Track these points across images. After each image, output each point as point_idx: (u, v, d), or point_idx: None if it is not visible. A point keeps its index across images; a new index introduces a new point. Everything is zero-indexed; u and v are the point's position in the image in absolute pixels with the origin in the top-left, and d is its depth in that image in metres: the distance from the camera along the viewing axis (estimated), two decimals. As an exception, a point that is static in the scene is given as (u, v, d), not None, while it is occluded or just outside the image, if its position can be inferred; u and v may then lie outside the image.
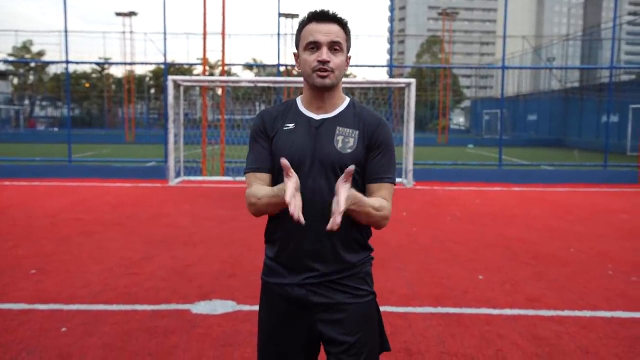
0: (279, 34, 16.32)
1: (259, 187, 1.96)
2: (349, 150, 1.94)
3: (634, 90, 27.67)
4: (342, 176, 1.70)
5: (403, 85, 13.14)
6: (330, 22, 1.93)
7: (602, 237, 7.34)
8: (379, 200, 1.94)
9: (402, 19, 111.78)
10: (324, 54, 1.90)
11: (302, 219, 1.64)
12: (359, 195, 1.83)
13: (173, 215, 8.64)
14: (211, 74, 39.78)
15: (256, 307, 2.18)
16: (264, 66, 47.98)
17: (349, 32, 1.99)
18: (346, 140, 1.96)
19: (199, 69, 43.12)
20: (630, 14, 59.37)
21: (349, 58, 2.02)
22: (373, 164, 1.98)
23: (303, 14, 2.01)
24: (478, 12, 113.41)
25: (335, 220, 1.65)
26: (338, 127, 1.98)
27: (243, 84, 14.86)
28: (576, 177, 14.05)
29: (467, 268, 5.74)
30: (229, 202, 9.98)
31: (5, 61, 42.09)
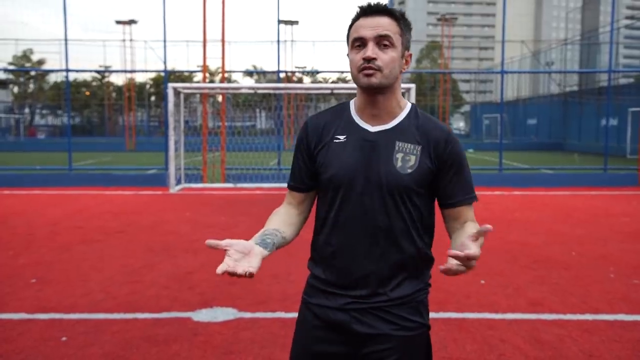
0: (278, 41, 16.35)
1: (273, 218, 1.83)
2: (409, 171, 1.71)
3: (633, 93, 27.74)
4: (474, 235, 1.51)
5: (403, 90, 13.10)
6: (379, 15, 1.69)
7: (603, 240, 7.33)
8: (474, 226, 1.75)
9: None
10: (369, 50, 1.65)
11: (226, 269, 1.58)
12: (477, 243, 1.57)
13: (174, 223, 8.63)
14: (211, 81, 39.86)
15: (257, 315, 2.18)
16: (264, 73, 48.16)
17: (406, 25, 1.74)
18: (407, 158, 1.72)
19: (199, 76, 43.20)
20: (627, 17, 59.48)
21: (410, 56, 1.78)
22: (449, 186, 1.76)
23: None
24: (477, 18, 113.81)
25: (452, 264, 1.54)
26: (397, 142, 1.73)
27: (243, 91, 14.90)
28: (576, 181, 14.05)
29: (468, 272, 5.71)
30: (230, 209, 9.97)
31: (6, 70, 42.21)
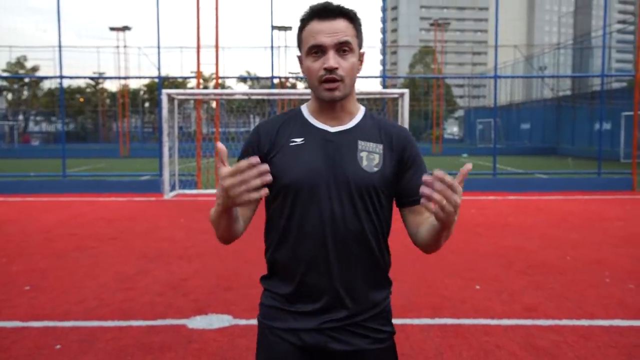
0: (272, 47, 16.35)
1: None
2: (375, 169, 1.64)
3: (626, 97, 27.79)
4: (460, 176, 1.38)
5: (396, 95, 13.19)
6: (335, 18, 1.60)
7: (597, 245, 7.35)
8: None
9: (394, 30, 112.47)
10: (331, 59, 1.57)
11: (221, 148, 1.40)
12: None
13: (168, 229, 8.60)
14: (205, 87, 39.84)
15: (253, 321, 2.14)
16: (257, 79, 48.17)
17: (360, 24, 1.66)
18: (371, 157, 1.65)
19: (193, 82, 43.23)
20: (619, 22, 59.87)
21: (362, 55, 1.70)
22: (411, 183, 1.69)
23: (304, 9, 1.66)
24: (469, 23, 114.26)
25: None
26: (359, 142, 1.66)
27: (237, 97, 14.90)
28: (570, 185, 14.09)
29: (463, 278, 5.72)
30: (224, 215, 9.93)
31: (0, 77, 42.01)
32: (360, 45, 1.67)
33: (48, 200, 12.20)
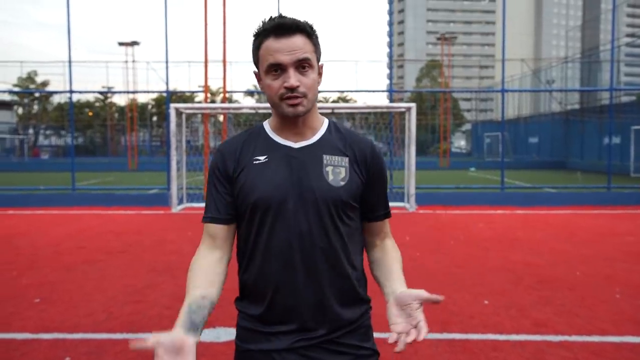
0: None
1: (196, 275, 1.63)
2: (342, 183, 1.61)
3: (635, 111, 27.77)
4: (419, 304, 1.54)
5: (403, 109, 13.22)
6: (292, 35, 1.55)
7: (608, 260, 7.30)
8: (393, 247, 1.80)
9: (401, 44, 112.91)
10: (291, 78, 1.54)
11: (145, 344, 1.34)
12: (402, 285, 1.66)
13: (176, 242, 8.62)
14: (213, 101, 40.07)
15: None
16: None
17: (317, 38, 1.63)
18: (337, 171, 1.62)
19: (200, 97, 43.47)
20: (628, 35, 59.86)
21: (321, 67, 1.67)
22: (373, 197, 1.70)
23: (256, 23, 1.60)
24: (476, 36, 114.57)
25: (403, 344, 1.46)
26: (324, 156, 1.63)
27: (244, 111, 14.97)
28: (580, 200, 14.03)
29: (472, 293, 5.70)
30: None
31: (10, 92, 42.51)
32: (318, 59, 1.64)
33: (57, 214, 12.26)
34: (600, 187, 17.01)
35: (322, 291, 1.60)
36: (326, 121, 1.72)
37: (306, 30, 1.58)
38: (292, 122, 1.64)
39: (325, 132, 1.69)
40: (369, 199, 1.69)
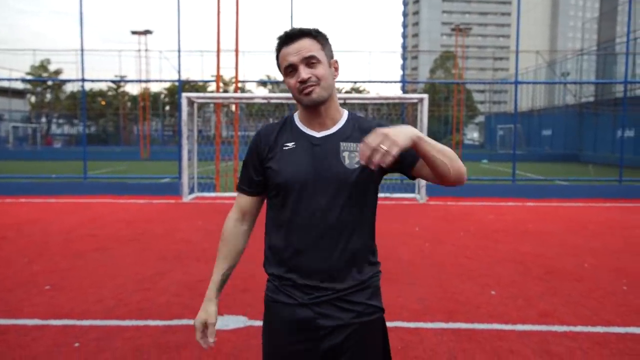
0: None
1: (225, 244, 2.11)
2: (356, 166, 1.86)
3: (649, 104, 27.43)
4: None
5: (416, 100, 13.17)
6: (298, 39, 1.86)
7: (617, 253, 7.27)
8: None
9: (415, 35, 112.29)
10: (302, 72, 1.83)
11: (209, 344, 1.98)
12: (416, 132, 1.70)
13: (186, 231, 8.69)
14: (225, 91, 40.12)
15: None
16: (277, 83, 48.30)
17: (324, 39, 1.92)
18: (352, 156, 1.88)
19: (213, 86, 43.53)
20: (645, 28, 58.99)
21: (336, 62, 1.96)
22: (404, 156, 1.82)
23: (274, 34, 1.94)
24: (491, 28, 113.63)
25: (382, 160, 1.58)
26: (342, 143, 1.90)
27: (256, 101, 14.97)
28: (591, 192, 13.92)
29: (479, 283, 5.71)
30: (242, 218, 10.00)
31: (23, 80, 42.76)
32: (329, 56, 1.92)
33: (69, 202, 12.38)
34: (612, 180, 16.88)
35: (336, 259, 1.87)
36: (346, 113, 1.99)
37: (311, 34, 1.88)
38: (314, 113, 1.92)
39: (345, 123, 1.96)
40: (399, 158, 1.78)
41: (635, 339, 4.17)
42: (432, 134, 38.07)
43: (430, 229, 9.01)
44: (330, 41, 1.96)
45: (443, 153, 1.76)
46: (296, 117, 2.00)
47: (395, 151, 1.59)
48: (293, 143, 1.93)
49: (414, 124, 13.88)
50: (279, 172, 1.90)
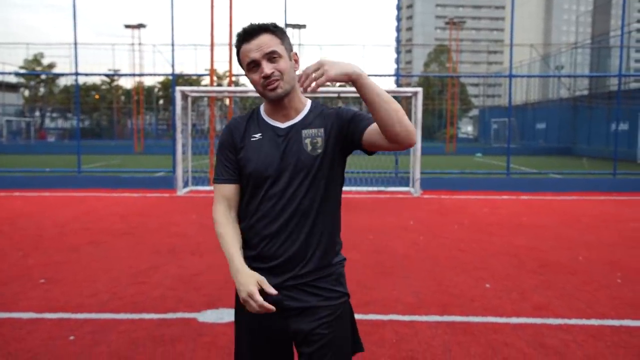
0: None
1: (225, 227, 2.03)
2: (319, 151, 1.96)
3: (643, 98, 27.53)
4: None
5: (410, 94, 13.16)
6: (258, 35, 1.91)
7: (611, 246, 7.30)
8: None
9: (409, 29, 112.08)
10: (265, 68, 1.90)
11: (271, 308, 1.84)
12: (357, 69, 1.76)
13: (181, 225, 8.68)
14: (219, 85, 39.99)
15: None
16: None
17: (282, 33, 1.96)
18: (314, 142, 1.97)
19: (206, 80, 43.32)
20: (639, 21, 59.21)
21: (296, 54, 2.01)
22: (352, 127, 1.95)
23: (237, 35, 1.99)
24: (485, 21, 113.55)
25: (314, 84, 1.73)
26: (303, 131, 1.98)
27: (250, 94, 14.94)
28: (585, 186, 13.98)
29: (474, 276, 5.72)
30: (236, 211, 9.99)
31: (17, 74, 42.49)
32: (289, 49, 1.98)
33: (63, 196, 12.34)
34: (606, 173, 16.94)
35: (302, 244, 1.97)
36: (309, 102, 2.07)
37: (269, 29, 1.93)
38: (279, 106, 2.00)
39: (308, 112, 2.03)
40: (353, 128, 1.95)
41: (629, 332, 4.19)
42: (426, 127, 38.13)
43: (424, 222, 9.02)
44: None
45: (386, 100, 1.77)
46: (262, 109, 2.08)
47: (326, 76, 1.70)
48: (260, 134, 2.01)
49: (409, 118, 13.86)
50: (248, 162, 1.99)
